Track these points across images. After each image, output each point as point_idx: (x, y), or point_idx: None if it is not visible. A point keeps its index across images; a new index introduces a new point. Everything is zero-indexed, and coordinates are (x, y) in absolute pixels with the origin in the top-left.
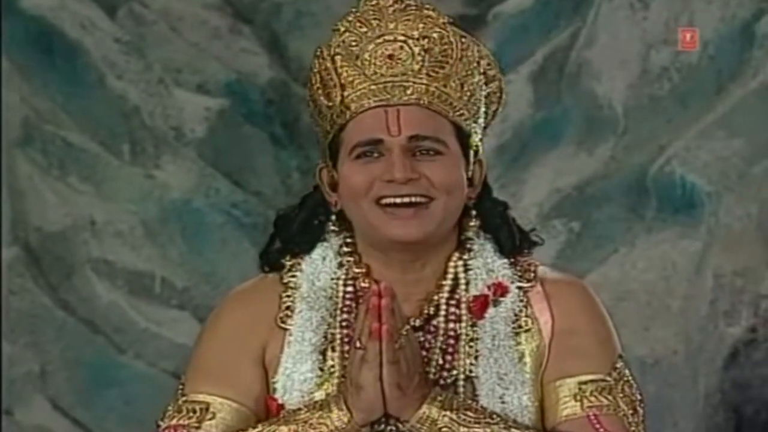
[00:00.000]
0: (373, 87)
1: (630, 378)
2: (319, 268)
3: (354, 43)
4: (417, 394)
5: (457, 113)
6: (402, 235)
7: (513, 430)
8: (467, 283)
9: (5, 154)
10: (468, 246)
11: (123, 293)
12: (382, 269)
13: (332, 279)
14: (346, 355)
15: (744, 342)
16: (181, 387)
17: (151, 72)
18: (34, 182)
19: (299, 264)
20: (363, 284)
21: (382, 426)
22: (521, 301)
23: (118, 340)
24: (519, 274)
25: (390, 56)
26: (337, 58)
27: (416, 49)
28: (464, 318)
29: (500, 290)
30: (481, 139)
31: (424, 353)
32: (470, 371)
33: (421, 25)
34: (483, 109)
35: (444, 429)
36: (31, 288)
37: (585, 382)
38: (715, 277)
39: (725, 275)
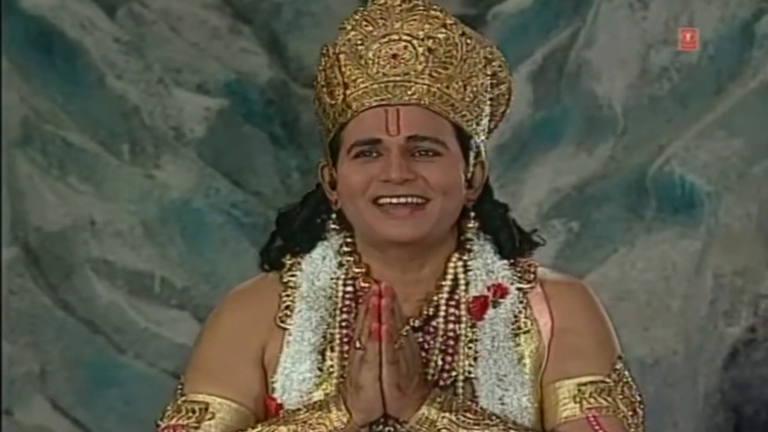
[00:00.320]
0: (375, 86)
1: (629, 379)
2: (319, 268)
3: (359, 42)
4: (416, 395)
5: (459, 114)
6: (397, 234)
7: (512, 431)
8: (467, 284)
9: (5, 154)
10: (468, 247)
11: (123, 293)
12: (382, 269)
13: (332, 279)
14: (346, 355)
15: (744, 342)
16: (180, 387)
17: (150, 72)
18: (34, 182)
19: (299, 263)
20: (363, 284)
21: (381, 426)
22: (521, 302)
23: (118, 340)
24: (519, 275)
25: (394, 56)
26: (342, 56)
27: (420, 50)
28: (464, 319)
29: (500, 291)
30: (484, 141)
31: (423, 354)
32: (469, 372)
33: (426, 26)
34: (488, 111)
35: (443, 430)
36: (30, 288)
37: (584, 384)
38: (714, 277)
39: (725, 275)
